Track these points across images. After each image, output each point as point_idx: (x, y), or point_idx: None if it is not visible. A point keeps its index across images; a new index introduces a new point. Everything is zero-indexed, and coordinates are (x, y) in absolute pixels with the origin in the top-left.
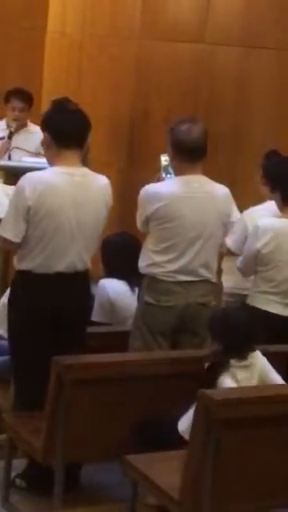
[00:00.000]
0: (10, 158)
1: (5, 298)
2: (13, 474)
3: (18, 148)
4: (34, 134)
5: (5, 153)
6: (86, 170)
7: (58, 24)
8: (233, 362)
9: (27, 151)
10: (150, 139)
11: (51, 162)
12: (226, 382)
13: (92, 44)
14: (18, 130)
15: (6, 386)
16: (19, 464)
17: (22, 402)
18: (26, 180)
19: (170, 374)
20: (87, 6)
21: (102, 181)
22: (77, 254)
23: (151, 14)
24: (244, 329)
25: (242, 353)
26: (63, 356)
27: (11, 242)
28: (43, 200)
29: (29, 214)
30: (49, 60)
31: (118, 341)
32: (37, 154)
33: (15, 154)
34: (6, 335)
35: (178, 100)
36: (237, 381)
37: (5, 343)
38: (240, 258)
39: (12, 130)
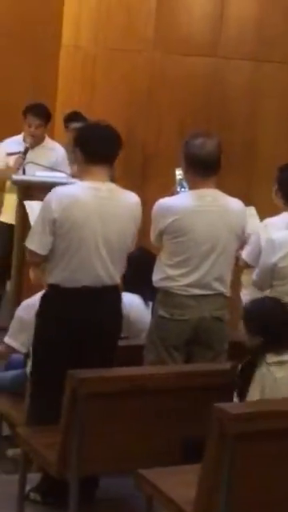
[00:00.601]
0: (24, 173)
1: (20, 312)
2: (27, 488)
3: (32, 163)
4: (50, 149)
5: (18, 168)
6: (113, 185)
7: (72, 37)
8: (269, 356)
9: (42, 166)
10: (163, 153)
11: (81, 178)
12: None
13: (105, 57)
14: (34, 145)
15: (19, 399)
16: (34, 478)
17: (37, 415)
18: (52, 193)
19: (184, 387)
20: (101, 19)
21: (131, 197)
22: (103, 268)
23: (164, 28)
24: (282, 318)
25: (281, 345)
26: (78, 370)
27: (37, 255)
28: (68, 213)
29: (54, 227)
30: (63, 73)
31: (132, 354)
32: (51, 169)
33: (29, 169)
34: (21, 349)
35: (191, 113)
36: (274, 380)
37: (19, 357)
38: (255, 272)
39: (28, 145)
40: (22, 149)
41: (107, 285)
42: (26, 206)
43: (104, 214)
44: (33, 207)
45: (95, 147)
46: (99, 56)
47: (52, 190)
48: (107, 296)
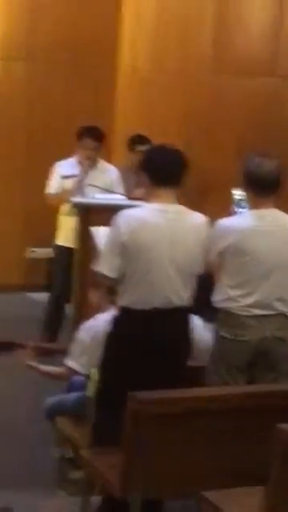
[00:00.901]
0: (84, 196)
1: (80, 334)
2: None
3: (92, 185)
4: (105, 171)
5: (77, 191)
6: (180, 207)
7: (130, 60)
8: None
9: (101, 188)
10: (222, 173)
11: (148, 200)
12: None
13: (163, 79)
14: (88, 168)
15: (82, 422)
16: (97, 501)
17: (101, 437)
18: (121, 216)
19: (246, 408)
20: (158, 41)
21: (198, 218)
22: (172, 290)
23: (221, 49)
24: None
25: None
26: (140, 391)
27: (107, 277)
28: (136, 235)
29: (123, 249)
30: (120, 96)
31: (193, 375)
32: (108, 191)
33: (89, 191)
34: (82, 370)
35: (249, 133)
36: None
37: (80, 379)
38: None
39: (85, 168)
40: (76, 172)
41: (177, 306)
42: (92, 232)
43: (172, 236)
44: (99, 232)
45: (162, 170)
46: (156, 78)
47: (120, 213)
48: (177, 317)
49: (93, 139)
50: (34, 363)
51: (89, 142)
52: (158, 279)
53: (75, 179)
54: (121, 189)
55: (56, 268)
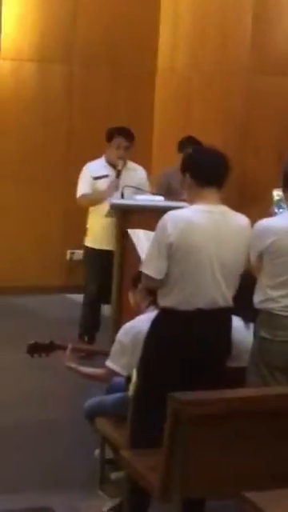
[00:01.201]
0: (122, 196)
1: (120, 336)
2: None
3: (129, 186)
4: (134, 171)
5: (115, 191)
6: (225, 208)
7: (168, 61)
8: None
9: (135, 188)
10: (261, 173)
11: (192, 201)
12: None
13: (201, 80)
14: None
15: (122, 423)
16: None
17: (142, 438)
18: (168, 217)
19: (286, 409)
20: (196, 41)
21: (242, 219)
22: (218, 291)
23: (260, 48)
24: None
25: None
26: (180, 392)
27: (153, 279)
28: (184, 237)
29: (171, 251)
30: (159, 97)
31: (233, 376)
32: (141, 191)
33: (126, 192)
34: (122, 372)
35: None
36: None
37: (120, 380)
38: None
39: (120, 168)
40: (107, 172)
41: (221, 307)
42: (131, 234)
43: (219, 237)
44: (138, 235)
45: (207, 170)
46: (195, 78)
47: (166, 214)
48: (219, 318)
49: (125, 139)
50: (73, 364)
51: (121, 142)
52: (204, 280)
53: (109, 180)
54: (148, 188)
55: (88, 270)
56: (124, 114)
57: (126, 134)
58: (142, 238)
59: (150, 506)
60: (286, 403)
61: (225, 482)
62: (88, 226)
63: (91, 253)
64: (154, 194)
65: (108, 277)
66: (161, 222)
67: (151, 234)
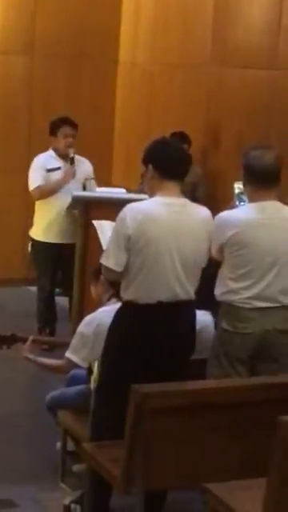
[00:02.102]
0: (84, 188)
1: (81, 328)
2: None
3: (91, 178)
4: (82, 162)
5: (72, 178)
6: (185, 200)
7: (129, 55)
8: None
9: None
10: (222, 166)
11: (152, 193)
12: None
13: (163, 73)
14: (66, 158)
15: (83, 415)
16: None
17: (103, 430)
18: (127, 210)
19: (248, 401)
20: (158, 34)
21: (203, 212)
22: (178, 284)
23: (221, 42)
24: None
25: None
26: (142, 384)
27: (113, 271)
28: (143, 229)
29: (129, 243)
30: (120, 90)
31: (194, 368)
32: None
33: (73, 185)
34: (82, 364)
35: (250, 127)
36: None
37: (82, 372)
38: None
39: (72, 155)
40: (59, 164)
41: (182, 300)
42: (96, 226)
43: (178, 230)
44: (103, 226)
45: (170, 163)
46: (156, 72)
47: (126, 206)
48: (182, 311)
49: (71, 127)
50: (31, 355)
51: (68, 130)
52: (164, 273)
53: (64, 171)
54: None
55: (38, 264)
56: (85, 107)
57: (70, 122)
58: (106, 229)
59: (112, 497)
60: (246, 395)
61: (187, 474)
62: (35, 219)
63: (40, 246)
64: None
65: (62, 270)
66: (120, 215)
67: None
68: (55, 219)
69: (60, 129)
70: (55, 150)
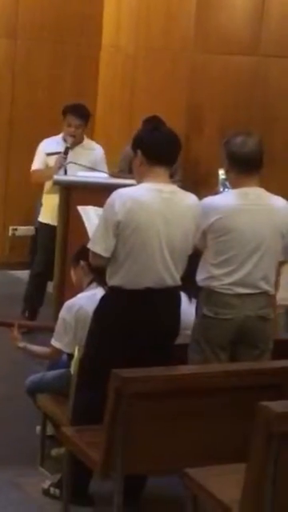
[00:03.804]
0: (66, 173)
1: (63, 313)
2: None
3: (73, 163)
4: (90, 149)
5: (59, 168)
6: (174, 187)
7: (112, 38)
8: None
9: (83, 166)
10: (205, 152)
11: (141, 179)
12: None
13: (146, 58)
14: (73, 145)
15: (63, 399)
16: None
17: (83, 415)
18: (116, 195)
19: (228, 386)
20: (141, 20)
21: (190, 199)
22: (166, 270)
23: (204, 27)
24: None
25: None
26: (123, 369)
27: (101, 257)
28: (132, 215)
29: (118, 229)
30: (103, 74)
31: (176, 354)
32: (92, 169)
33: (70, 169)
34: (66, 349)
35: (232, 113)
36: None
37: (63, 357)
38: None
39: (68, 145)
40: (61, 149)
41: (169, 286)
42: (80, 211)
43: (167, 216)
44: (88, 212)
45: (159, 149)
46: (139, 56)
47: (114, 192)
48: (169, 297)
49: (76, 116)
50: (22, 344)
51: (72, 119)
52: (152, 259)
53: (58, 156)
54: (105, 167)
55: (38, 245)
56: (68, 91)
57: (77, 112)
58: (91, 215)
59: (92, 482)
60: (226, 381)
61: (166, 459)
62: (42, 201)
63: (45, 229)
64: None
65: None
66: (109, 200)
67: (101, 210)
68: (54, 202)
69: (66, 116)
70: (63, 135)
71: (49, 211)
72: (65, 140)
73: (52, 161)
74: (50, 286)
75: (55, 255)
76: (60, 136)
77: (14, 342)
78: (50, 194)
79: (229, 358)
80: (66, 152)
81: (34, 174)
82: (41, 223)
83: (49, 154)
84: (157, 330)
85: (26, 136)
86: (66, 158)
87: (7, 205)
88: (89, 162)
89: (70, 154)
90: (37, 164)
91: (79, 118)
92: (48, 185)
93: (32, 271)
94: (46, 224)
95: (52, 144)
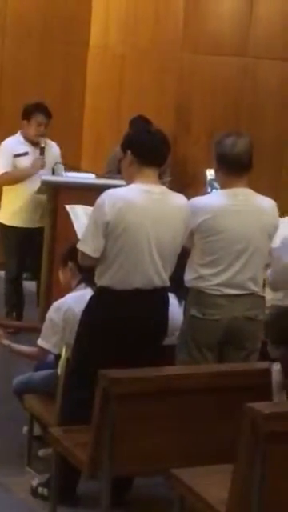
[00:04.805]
0: (53, 173)
1: (50, 314)
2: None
3: (59, 163)
4: (51, 147)
5: (39, 169)
6: (164, 188)
7: (101, 38)
8: None
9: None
10: (193, 153)
11: (130, 180)
12: None
13: (134, 58)
14: (36, 144)
15: (50, 400)
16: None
17: (71, 415)
18: (105, 196)
19: (216, 387)
20: (130, 20)
21: (180, 200)
22: (155, 271)
23: (193, 28)
24: None
25: None
26: (110, 370)
27: (90, 257)
28: (122, 216)
29: (107, 230)
30: (91, 74)
31: (164, 354)
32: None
33: (58, 169)
34: (53, 350)
35: (221, 113)
36: None
37: (50, 357)
38: (269, 271)
39: (43, 145)
40: (26, 149)
41: (158, 286)
42: (69, 210)
43: (157, 217)
44: (76, 211)
45: (149, 149)
46: (127, 56)
47: (104, 193)
48: (157, 298)
49: (44, 116)
50: (7, 342)
51: (42, 118)
52: (141, 260)
53: (31, 157)
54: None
55: (5, 247)
56: (55, 90)
57: (45, 110)
58: (80, 214)
59: (79, 482)
60: (213, 381)
61: (153, 460)
62: (3, 203)
63: (7, 230)
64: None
65: (30, 254)
66: (98, 201)
67: (90, 209)
68: (24, 204)
69: (33, 115)
70: (24, 135)
71: (9, 212)
72: (28, 140)
73: (21, 162)
74: (31, 286)
75: (41, 256)
76: (19, 136)
77: None
78: (13, 196)
79: (216, 358)
80: (41, 152)
81: (5, 176)
82: (6, 226)
83: (16, 156)
84: (145, 331)
85: (13, 134)
86: (43, 159)
87: None
88: (53, 159)
89: (36, 152)
90: (6, 166)
91: (47, 116)
92: (11, 187)
93: (6, 276)
94: (8, 225)
95: (16, 145)
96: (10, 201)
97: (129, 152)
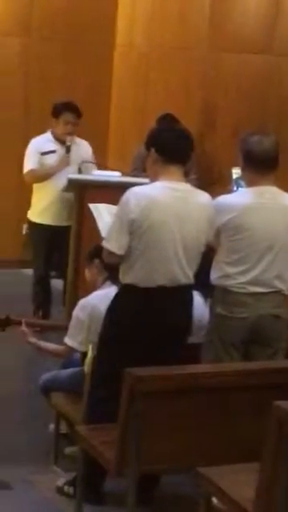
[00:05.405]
0: (80, 172)
1: (77, 312)
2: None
3: (87, 162)
4: (81, 145)
5: (66, 166)
6: (188, 185)
7: (126, 37)
8: None
9: (89, 163)
10: (219, 151)
11: (155, 177)
12: None
13: (159, 56)
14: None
15: (77, 398)
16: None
17: (97, 413)
18: (130, 194)
19: (242, 385)
20: (155, 18)
21: (204, 198)
22: (179, 268)
23: (218, 26)
24: None
25: None
26: (136, 368)
27: (115, 255)
28: (146, 214)
29: (132, 227)
30: (117, 73)
31: (190, 352)
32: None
33: (84, 168)
34: (80, 348)
35: (247, 112)
36: None
37: (77, 355)
38: None
39: (69, 144)
40: (54, 147)
41: (182, 284)
42: (92, 209)
43: (181, 215)
44: (99, 209)
45: (174, 147)
46: (153, 55)
47: (129, 190)
48: (182, 295)
49: (73, 114)
50: (34, 340)
51: (70, 117)
52: (166, 257)
53: (58, 155)
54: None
55: (34, 245)
56: (81, 90)
57: (74, 109)
58: (103, 212)
59: (106, 480)
60: (239, 380)
61: (180, 458)
62: (33, 200)
63: (37, 228)
64: (132, 170)
65: (57, 252)
66: (123, 198)
67: (113, 207)
68: (52, 201)
69: (62, 114)
70: (53, 133)
71: (39, 210)
72: (57, 138)
73: (47, 160)
74: (58, 284)
75: (68, 254)
76: (49, 134)
77: (23, 337)
78: (42, 194)
79: (242, 356)
80: (67, 151)
81: (31, 173)
82: (32, 222)
83: (44, 154)
84: (169, 328)
85: (41, 134)
86: (69, 157)
87: (20, 203)
88: (80, 158)
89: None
90: (33, 164)
91: (76, 115)
92: (41, 184)
93: (34, 274)
94: (37, 223)
95: (44, 143)
96: (39, 198)
97: (153, 150)
